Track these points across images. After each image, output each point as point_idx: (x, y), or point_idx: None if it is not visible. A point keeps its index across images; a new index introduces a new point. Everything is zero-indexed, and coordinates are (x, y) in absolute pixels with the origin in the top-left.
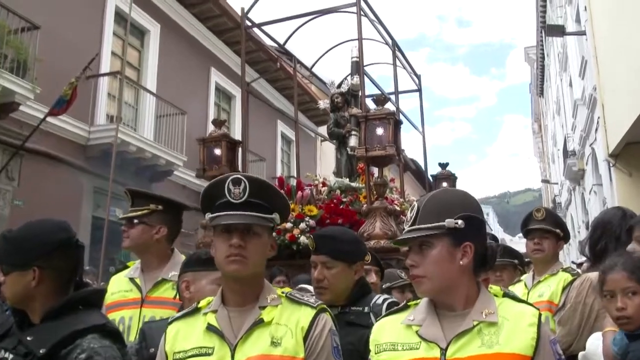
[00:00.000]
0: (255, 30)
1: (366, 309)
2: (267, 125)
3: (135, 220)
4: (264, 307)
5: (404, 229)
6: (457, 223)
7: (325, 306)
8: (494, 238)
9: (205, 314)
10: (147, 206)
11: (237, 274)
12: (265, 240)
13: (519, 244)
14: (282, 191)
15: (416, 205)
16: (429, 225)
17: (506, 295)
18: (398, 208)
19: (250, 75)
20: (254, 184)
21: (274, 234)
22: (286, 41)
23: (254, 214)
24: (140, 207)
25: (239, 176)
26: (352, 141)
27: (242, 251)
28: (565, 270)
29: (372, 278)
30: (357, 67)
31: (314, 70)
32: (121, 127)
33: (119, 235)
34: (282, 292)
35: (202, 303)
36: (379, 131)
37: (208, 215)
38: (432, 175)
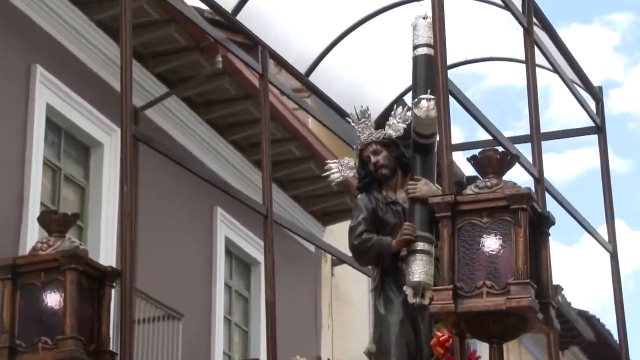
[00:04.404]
0: None
1: None
2: (189, 221)
3: None
4: None
5: None
6: None
7: None
8: None
9: None
10: None
11: None
12: None
13: None
14: None
15: None
16: None
17: None
18: None
19: (143, 90)
20: None
21: None
22: (242, 3)
23: None
24: None
25: None
26: (417, 271)
27: None
28: None
29: None
30: (428, 72)
31: (313, 78)
32: None
33: None
34: None
35: None
36: (490, 244)
37: None
38: None
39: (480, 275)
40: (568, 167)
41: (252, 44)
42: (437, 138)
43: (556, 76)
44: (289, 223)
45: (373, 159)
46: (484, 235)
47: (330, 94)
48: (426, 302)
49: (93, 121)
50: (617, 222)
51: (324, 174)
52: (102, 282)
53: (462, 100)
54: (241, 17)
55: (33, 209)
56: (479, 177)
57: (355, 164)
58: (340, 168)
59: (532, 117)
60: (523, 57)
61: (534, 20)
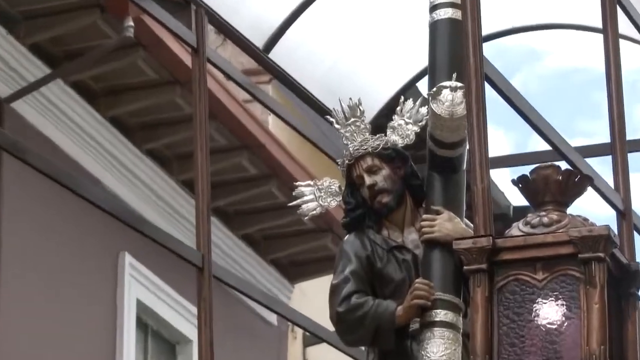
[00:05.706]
0: None
1: None
2: (81, 275)
3: None
4: None
5: None
6: None
7: None
8: None
9: None
10: None
11: None
12: None
13: None
14: None
15: None
16: None
17: None
18: None
19: (11, 71)
20: None
21: None
22: None
23: None
24: None
25: None
26: (436, 355)
27: None
28: None
29: None
30: (453, 47)
31: (275, 55)
32: None
33: None
34: None
35: None
36: (548, 314)
37: None
38: None
39: None
40: None
41: (182, 1)
42: (467, 148)
43: None
44: (238, 279)
45: (368, 180)
46: (539, 299)
47: (301, 80)
48: None
49: None
50: None
51: (292, 203)
52: None
53: (507, 90)
54: None
55: None
56: (532, 208)
57: (340, 187)
58: (318, 194)
59: (613, 116)
60: (600, 25)
61: None
